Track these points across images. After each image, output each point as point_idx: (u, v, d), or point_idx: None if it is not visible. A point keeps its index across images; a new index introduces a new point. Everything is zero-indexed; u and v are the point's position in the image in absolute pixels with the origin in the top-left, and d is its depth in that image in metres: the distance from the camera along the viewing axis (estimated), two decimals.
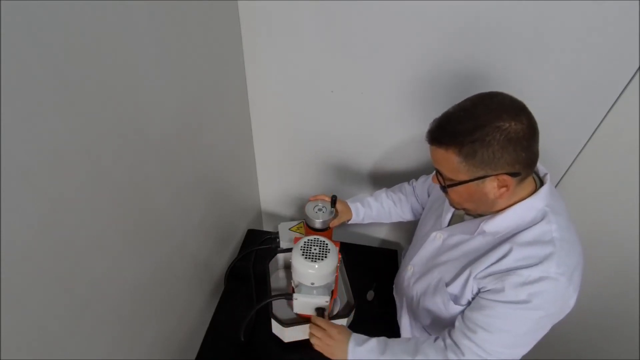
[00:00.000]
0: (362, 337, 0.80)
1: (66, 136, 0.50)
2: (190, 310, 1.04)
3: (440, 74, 0.96)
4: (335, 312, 1.01)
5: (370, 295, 1.16)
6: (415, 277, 0.88)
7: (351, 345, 0.77)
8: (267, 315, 0.94)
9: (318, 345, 0.82)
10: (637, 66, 0.82)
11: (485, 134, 0.60)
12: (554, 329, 0.70)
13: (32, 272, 0.49)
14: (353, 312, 0.97)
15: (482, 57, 0.90)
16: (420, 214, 1.03)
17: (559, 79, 0.89)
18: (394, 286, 1.04)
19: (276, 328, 0.95)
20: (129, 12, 0.58)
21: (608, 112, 0.90)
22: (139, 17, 0.61)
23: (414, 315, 0.92)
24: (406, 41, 0.92)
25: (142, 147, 0.68)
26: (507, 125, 0.60)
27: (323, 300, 0.83)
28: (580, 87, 0.89)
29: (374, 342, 0.77)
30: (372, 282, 1.19)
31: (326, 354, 0.81)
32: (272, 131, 1.24)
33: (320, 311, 0.85)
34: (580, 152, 1.00)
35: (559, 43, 0.84)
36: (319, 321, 0.83)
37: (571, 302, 0.67)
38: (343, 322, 0.96)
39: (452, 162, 0.64)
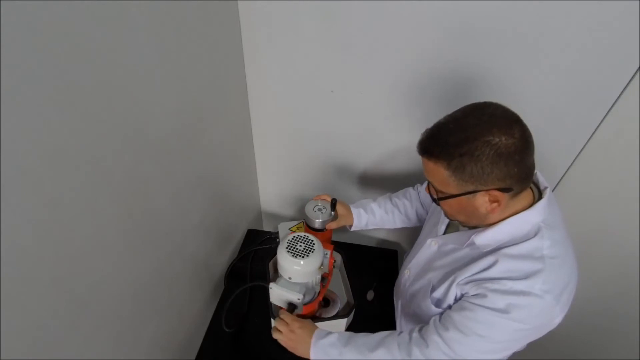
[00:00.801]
0: (325, 331, 0.80)
1: (66, 136, 0.50)
2: (190, 310, 1.04)
3: (440, 74, 0.96)
4: (335, 312, 1.01)
5: (370, 295, 1.16)
6: (410, 280, 0.88)
7: (314, 339, 0.78)
8: (267, 315, 0.94)
9: (281, 339, 0.82)
10: (637, 66, 0.82)
11: (475, 149, 0.58)
12: (554, 329, 0.70)
13: (32, 272, 0.49)
14: (353, 312, 0.97)
15: (482, 57, 0.90)
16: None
17: (558, 79, 0.89)
18: (394, 288, 1.04)
19: None
20: (129, 12, 0.58)
21: (608, 112, 0.90)
22: (138, 17, 0.61)
23: (407, 317, 0.92)
24: (406, 41, 0.92)
25: (142, 147, 0.68)
26: (497, 140, 0.57)
27: (295, 297, 0.82)
28: (580, 88, 0.89)
29: (335, 336, 0.78)
30: (372, 282, 1.19)
31: (289, 348, 0.81)
32: (272, 131, 1.25)
33: (291, 307, 0.85)
34: (579, 153, 1.00)
35: (559, 43, 0.84)
36: (284, 315, 0.83)
37: (556, 321, 0.66)
38: (343, 322, 0.96)
39: (441, 175, 0.63)
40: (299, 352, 0.80)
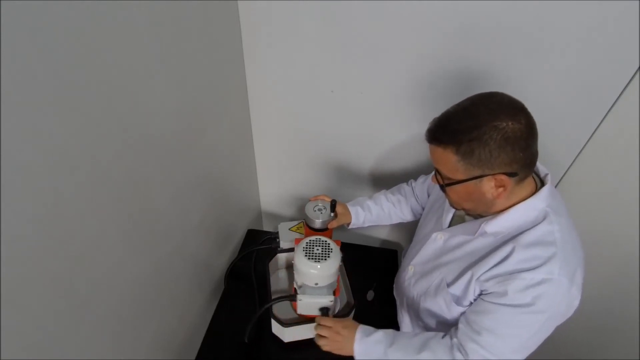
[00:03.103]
0: (370, 328, 0.80)
1: (66, 136, 0.50)
2: (190, 310, 1.04)
3: (440, 74, 0.96)
4: (335, 312, 1.01)
5: (370, 295, 1.16)
6: (415, 277, 0.88)
7: (358, 336, 0.77)
8: (267, 315, 0.94)
9: (327, 345, 0.81)
10: (637, 66, 0.82)
11: (483, 133, 0.60)
12: (554, 329, 0.70)
13: (32, 272, 0.49)
14: (353, 312, 0.97)
15: (482, 57, 0.90)
16: (421, 214, 1.02)
17: (559, 79, 0.89)
18: (394, 286, 1.04)
19: (276, 328, 0.95)
20: (129, 12, 0.58)
21: (608, 112, 0.90)
22: (139, 18, 0.61)
23: (414, 315, 0.92)
24: (406, 41, 0.92)
25: (142, 147, 0.68)
26: (505, 124, 0.60)
27: (327, 300, 0.82)
28: (580, 87, 0.89)
29: (381, 334, 0.77)
30: (372, 282, 1.19)
31: (335, 351, 0.80)
32: (272, 131, 1.25)
33: (324, 311, 0.84)
34: (580, 152, 1.00)
35: (559, 43, 0.84)
36: (324, 320, 0.82)
37: (575, 303, 0.67)
38: None
39: (450, 161, 0.65)
40: (345, 351, 0.79)
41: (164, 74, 0.71)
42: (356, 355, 0.77)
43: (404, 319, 0.96)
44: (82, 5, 0.49)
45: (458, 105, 0.66)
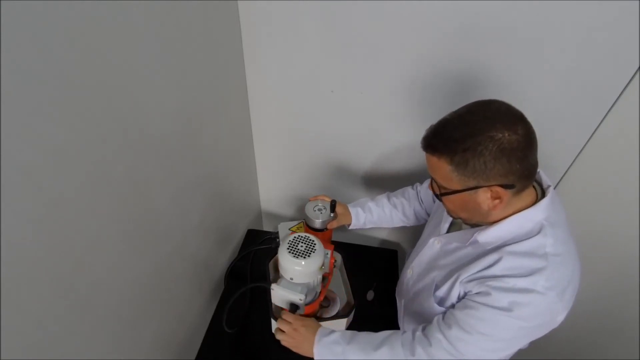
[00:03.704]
0: (328, 329, 0.80)
1: (66, 136, 0.50)
2: (190, 310, 1.04)
3: (440, 74, 0.96)
4: (335, 312, 1.01)
5: (370, 295, 1.16)
6: (413, 279, 0.88)
7: (317, 337, 0.78)
8: (267, 315, 0.94)
9: (285, 340, 0.82)
10: (637, 66, 0.82)
11: (478, 144, 0.58)
12: (554, 329, 0.70)
13: (32, 272, 0.49)
14: (353, 312, 0.97)
15: (482, 57, 0.90)
16: (424, 219, 1.02)
17: (558, 79, 0.89)
18: (397, 287, 1.04)
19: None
20: (129, 12, 0.58)
21: (608, 112, 0.90)
22: (139, 17, 0.61)
23: (409, 315, 0.93)
24: (406, 41, 0.92)
25: (142, 147, 0.68)
26: (501, 135, 0.58)
27: (297, 297, 0.82)
28: (580, 88, 0.89)
29: (338, 334, 0.78)
30: (372, 282, 1.19)
31: (293, 348, 0.81)
32: (272, 131, 1.25)
33: (292, 307, 0.85)
34: (580, 153, 1.00)
35: (559, 43, 0.84)
36: (287, 315, 0.83)
37: (559, 319, 0.66)
38: (343, 322, 0.96)
39: (444, 170, 0.63)
40: (302, 351, 0.80)
41: (164, 74, 0.71)
42: (315, 356, 0.77)
43: (402, 320, 0.97)
44: (82, 5, 0.49)
45: (454, 112, 0.64)
